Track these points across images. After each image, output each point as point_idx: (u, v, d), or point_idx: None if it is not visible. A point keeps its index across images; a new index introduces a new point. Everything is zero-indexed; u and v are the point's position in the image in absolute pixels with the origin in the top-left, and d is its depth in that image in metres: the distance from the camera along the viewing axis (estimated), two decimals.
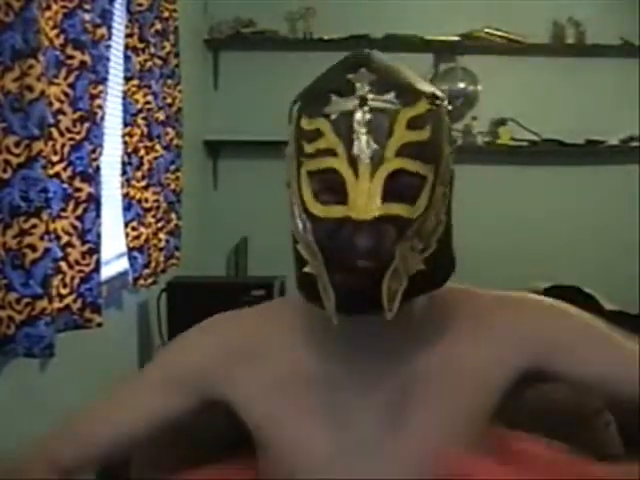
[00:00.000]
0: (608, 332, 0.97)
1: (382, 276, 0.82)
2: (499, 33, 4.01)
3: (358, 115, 0.83)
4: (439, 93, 0.90)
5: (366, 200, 0.81)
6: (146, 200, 2.52)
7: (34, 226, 1.54)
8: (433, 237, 0.87)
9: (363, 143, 0.82)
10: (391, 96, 0.84)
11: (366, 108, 0.83)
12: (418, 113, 0.84)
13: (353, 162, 0.82)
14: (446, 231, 0.91)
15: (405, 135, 0.83)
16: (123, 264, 2.49)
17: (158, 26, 2.64)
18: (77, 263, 1.85)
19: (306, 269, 0.88)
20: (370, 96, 0.83)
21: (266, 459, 1.03)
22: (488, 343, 0.96)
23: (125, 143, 2.39)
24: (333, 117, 0.84)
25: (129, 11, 2.41)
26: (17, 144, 1.51)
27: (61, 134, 1.77)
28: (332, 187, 0.84)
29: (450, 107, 0.92)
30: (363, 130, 0.82)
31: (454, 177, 0.93)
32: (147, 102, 2.49)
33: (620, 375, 0.94)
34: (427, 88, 0.88)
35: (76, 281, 1.85)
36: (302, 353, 0.99)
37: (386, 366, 0.96)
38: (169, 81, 2.82)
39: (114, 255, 2.52)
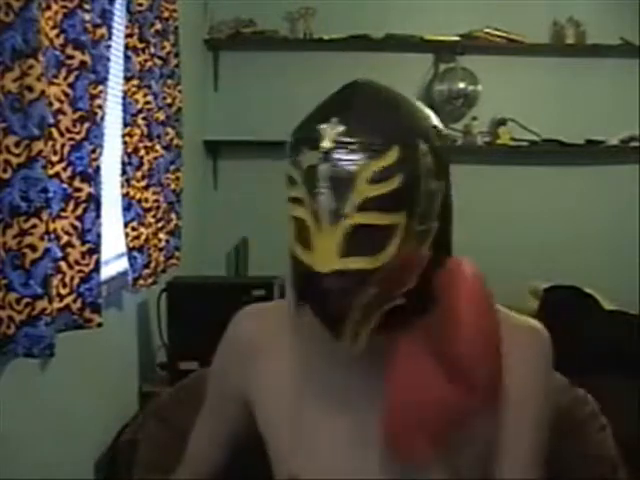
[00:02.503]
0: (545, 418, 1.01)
1: (344, 322, 0.88)
2: (499, 33, 4.01)
3: (321, 170, 0.86)
4: (423, 129, 0.90)
5: (325, 253, 0.86)
6: (146, 200, 2.51)
7: (34, 226, 1.54)
8: (412, 274, 0.91)
9: (324, 198, 0.85)
10: (357, 149, 0.85)
11: (329, 163, 0.85)
12: (386, 164, 0.86)
13: (316, 215, 0.86)
14: (435, 262, 0.94)
15: (367, 189, 0.85)
16: (123, 264, 2.48)
17: (158, 26, 2.64)
18: (77, 263, 1.85)
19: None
20: (334, 150, 0.85)
21: (271, 457, 1.07)
22: None
23: (125, 143, 2.39)
24: (304, 167, 0.88)
25: (129, 11, 2.41)
26: (17, 144, 1.50)
27: (61, 134, 1.77)
28: (303, 233, 0.89)
29: (442, 132, 0.94)
30: (325, 185, 0.85)
31: (450, 207, 0.96)
32: (147, 102, 2.49)
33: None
34: (405, 131, 0.88)
35: (76, 281, 1.85)
36: (312, 353, 1.03)
37: (381, 369, 0.98)
38: (169, 81, 2.82)
39: (114, 255, 2.51)
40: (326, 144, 0.86)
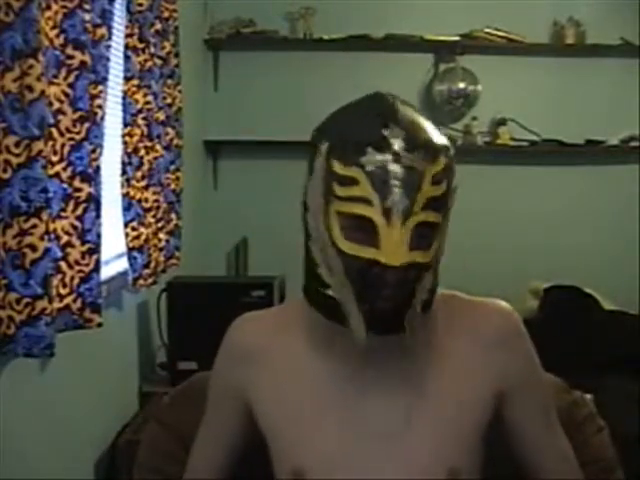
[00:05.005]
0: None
1: (404, 313, 0.95)
2: (499, 33, 4.01)
3: (392, 170, 0.91)
4: (449, 142, 0.99)
5: (395, 248, 0.91)
6: (146, 200, 2.51)
7: (34, 226, 1.54)
8: (438, 271, 1.00)
9: (397, 196, 0.91)
10: (420, 154, 0.93)
11: (399, 164, 0.91)
12: (439, 169, 0.94)
13: (386, 212, 0.91)
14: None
15: (429, 190, 0.93)
16: (123, 264, 2.48)
17: (158, 26, 2.64)
18: (77, 263, 1.85)
19: (329, 292, 0.97)
20: (403, 153, 0.92)
21: (274, 455, 1.08)
22: (476, 360, 1.06)
23: (125, 143, 2.38)
24: (369, 168, 0.92)
25: (129, 11, 2.41)
26: (17, 144, 1.50)
27: (61, 134, 1.77)
28: (363, 230, 0.93)
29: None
30: (397, 184, 0.91)
31: None
32: (147, 102, 2.49)
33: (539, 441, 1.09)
34: (443, 140, 0.98)
35: (76, 281, 1.85)
36: (315, 353, 1.06)
37: (392, 368, 1.03)
38: (169, 81, 2.82)
39: (114, 255, 2.51)
40: (397, 146, 0.92)
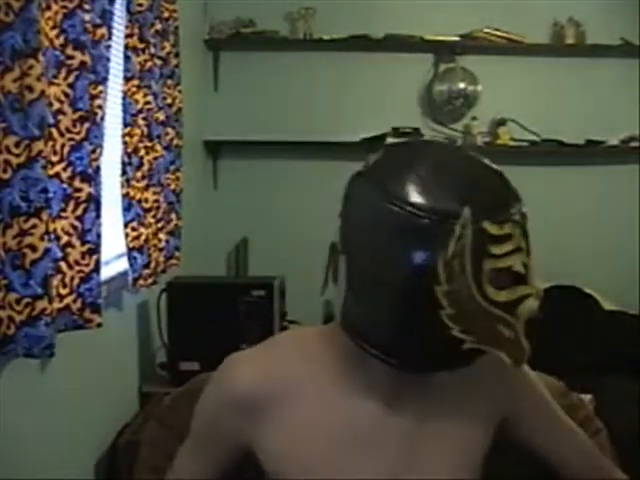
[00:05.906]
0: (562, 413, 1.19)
1: None
2: (499, 33, 4.01)
3: (525, 212, 0.97)
4: None
5: (536, 277, 0.98)
6: (146, 200, 2.51)
7: (34, 226, 1.54)
8: None
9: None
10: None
11: (522, 205, 0.98)
12: None
13: (529, 253, 0.97)
14: None
15: None
16: (123, 264, 2.49)
17: (158, 26, 2.64)
18: (77, 263, 1.85)
19: (468, 345, 0.96)
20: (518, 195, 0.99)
21: None
22: (478, 396, 1.11)
23: (125, 143, 2.39)
24: (517, 219, 0.96)
25: (129, 11, 2.41)
26: (17, 144, 1.50)
27: (61, 134, 1.77)
28: (508, 273, 0.95)
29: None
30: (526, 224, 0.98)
31: None
32: (147, 102, 2.49)
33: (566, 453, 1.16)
34: None
35: (76, 281, 1.85)
36: (332, 395, 1.06)
37: (413, 402, 1.06)
38: (169, 81, 2.82)
39: (114, 255, 2.52)
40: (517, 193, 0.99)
